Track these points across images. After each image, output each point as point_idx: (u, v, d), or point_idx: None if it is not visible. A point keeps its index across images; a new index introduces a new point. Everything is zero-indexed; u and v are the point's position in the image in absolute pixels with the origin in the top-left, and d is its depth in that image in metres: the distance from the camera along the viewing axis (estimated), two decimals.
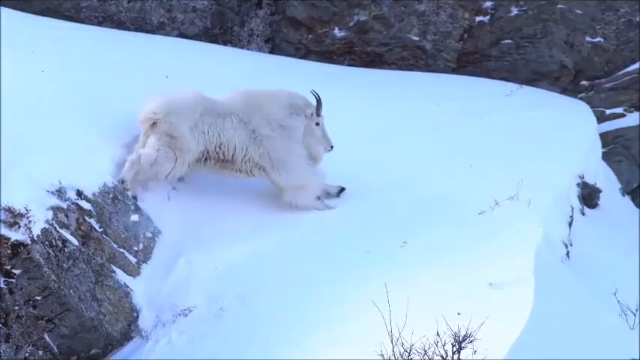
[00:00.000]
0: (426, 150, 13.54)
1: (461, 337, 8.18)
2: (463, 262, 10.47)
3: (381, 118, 14.33)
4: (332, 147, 12.34)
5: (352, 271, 10.76)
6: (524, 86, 16.52)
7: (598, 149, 14.41)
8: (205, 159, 11.96)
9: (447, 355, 8.15)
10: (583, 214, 12.80)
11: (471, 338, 8.23)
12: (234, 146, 11.93)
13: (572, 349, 9.62)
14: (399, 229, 11.43)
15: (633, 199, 16.21)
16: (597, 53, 18.04)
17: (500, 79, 17.55)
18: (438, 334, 8.33)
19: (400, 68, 17.90)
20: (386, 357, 8.24)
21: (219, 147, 11.91)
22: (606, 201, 13.72)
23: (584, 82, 17.89)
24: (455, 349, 8.15)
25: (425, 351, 8.18)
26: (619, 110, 17.25)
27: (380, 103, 13.97)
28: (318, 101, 12.18)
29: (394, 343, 8.37)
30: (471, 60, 17.99)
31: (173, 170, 11.72)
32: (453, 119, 14.57)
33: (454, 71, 17.91)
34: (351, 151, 12.96)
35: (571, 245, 11.71)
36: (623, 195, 15.05)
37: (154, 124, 11.62)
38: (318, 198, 12.30)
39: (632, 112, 17.19)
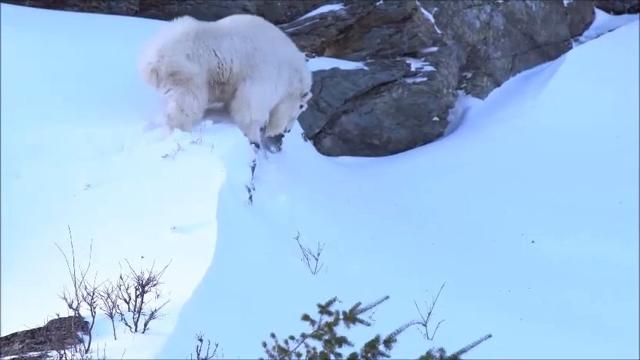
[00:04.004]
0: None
1: (144, 281, 8.29)
2: (147, 205, 10.59)
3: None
4: (288, 131, 13.12)
5: (37, 213, 10.80)
6: None
7: None
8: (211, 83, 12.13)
9: (130, 299, 8.26)
10: (266, 158, 12.96)
11: (155, 282, 8.35)
12: (230, 62, 12.11)
13: (256, 292, 9.83)
14: (82, 171, 11.35)
15: (315, 144, 16.56)
16: None
17: None
18: (121, 277, 8.43)
19: (82, 10, 17.35)
20: (69, 300, 8.21)
21: (220, 67, 12.06)
22: (289, 146, 13.97)
23: None
24: (138, 292, 8.26)
25: (108, 294, 8.23)
26: None
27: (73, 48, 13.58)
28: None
29: (77, 286, 8.34)
30: (154, 3, 17.71)
31: (197, 101, 11.88)
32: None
33: (137, 14, 17.59)
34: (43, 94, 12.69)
35: (254, 189, 11.86)
36: (306, 140, 15.30)
37: (155, 72, 11.82)
38: (261, 130, 12.61)
39: (314, 56, 17.46)
